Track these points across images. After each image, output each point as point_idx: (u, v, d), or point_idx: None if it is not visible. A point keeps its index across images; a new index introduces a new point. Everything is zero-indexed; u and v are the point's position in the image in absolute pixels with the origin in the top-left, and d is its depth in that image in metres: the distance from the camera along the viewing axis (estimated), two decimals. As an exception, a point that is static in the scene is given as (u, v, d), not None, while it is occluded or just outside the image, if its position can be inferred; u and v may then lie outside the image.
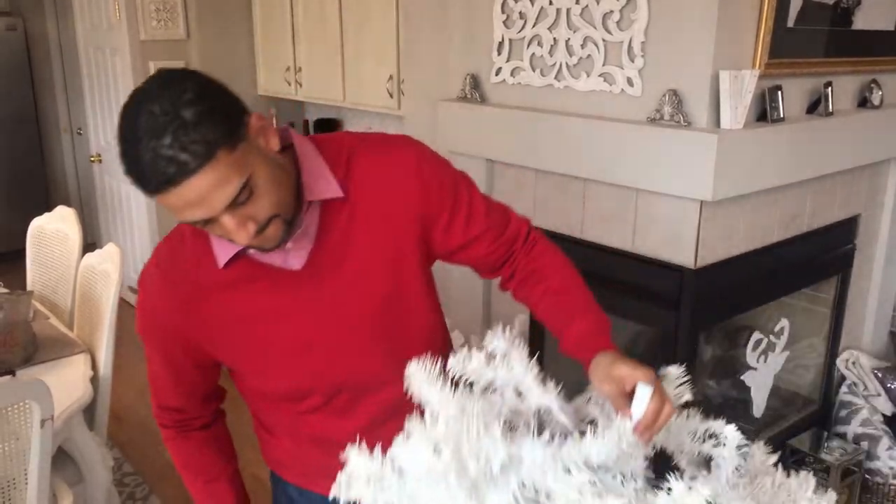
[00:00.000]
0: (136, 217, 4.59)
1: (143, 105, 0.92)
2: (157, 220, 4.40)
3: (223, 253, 1.11)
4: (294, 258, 1.12)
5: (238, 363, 1.21)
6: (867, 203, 2.79)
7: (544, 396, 1.03)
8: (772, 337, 2.59)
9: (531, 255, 1.27)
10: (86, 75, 4.82)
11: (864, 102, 2.55)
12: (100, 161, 4.89)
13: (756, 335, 2.55)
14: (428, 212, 1.17)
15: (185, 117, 0.91)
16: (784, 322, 2.61)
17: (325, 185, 1.10)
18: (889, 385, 2.79)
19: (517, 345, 1.00)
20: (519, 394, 1.04)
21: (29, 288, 3.02)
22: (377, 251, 1.16)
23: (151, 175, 0.91)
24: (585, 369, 1.09)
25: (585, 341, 1.12)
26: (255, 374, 1.22)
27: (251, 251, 1.10)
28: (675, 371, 1.03)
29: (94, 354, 2.49)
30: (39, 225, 3.07)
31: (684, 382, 1.03)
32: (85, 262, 2.67)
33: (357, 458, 0.93)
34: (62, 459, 2.29)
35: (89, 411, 2.41)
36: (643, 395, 0.90)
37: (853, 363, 2.87)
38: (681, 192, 2.05)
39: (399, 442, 0.90)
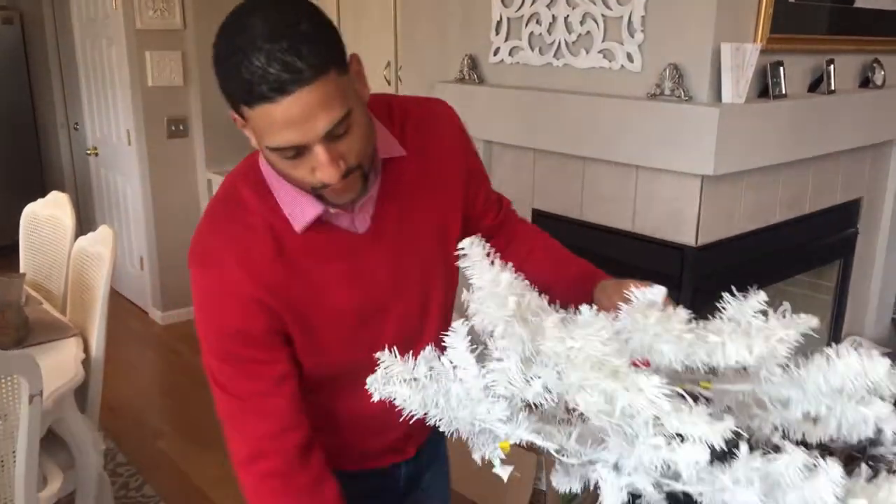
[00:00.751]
0: (133, 210, 4.55)
1: (259, 11, 0.90)
2: (154, 212, 4.37)
3: (301, 215, 1.04)
4: (360, 220, 1.09)
5: (307, 336, 1.10)
6: (869, 186, 2.76)
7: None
8: (774, 320, 2.56)
9: (512, 222, 1.32)
10: (82, 68, 4.80)
11: (866, 83, 2.53)
12: (96, 154, 4.86)
13: (758, 318, 2.51)
14: (469, 171, 1.21)
15: (302, 28, 0.89)
16: (786, 305, 2.58)
17: (389, 143, 1.09)
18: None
19: (491, 254, 0.99)
20: None
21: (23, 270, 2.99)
22: (432, 213, 1.16)
23: (262, 80, 0.88)
24: (587, 300, 1.09)
25: (586, 277, 1.14)
26: (318, 349, 1.11)
27: (331, 210, 1.05)
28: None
29: (87, 338, 2.45)
30: (33, 211, 3.03)
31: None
32: (77, 245, 2.64)
33: (393, 360, 0.98)
34: (54, 444, 2.26)
35: (81, 395, 2.37)
36: (658, 294, 0.97)
37: (855, 349, 2.83)
38: (682, 167, 2.02)
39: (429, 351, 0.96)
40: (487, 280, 0.94)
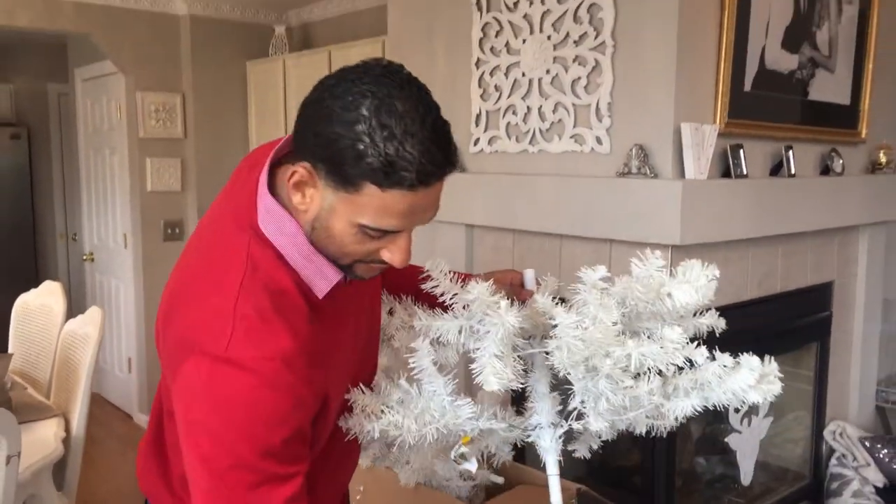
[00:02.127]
0: (125, 312, 4.61)
1: (399, 90, 0.90)
2: (145, 313, 4.42)
3: (324, 281, 1.02)
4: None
5: (338, 396, 1.09)
6: (840, 271, 2.85)
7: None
8: (754, 399, 2.58)
9: None
10: (84, 177, 4.99)
11: (826, 171, 2.67)
12: (92, 260, 4.96)
13: (738, 396, 2.54)
14: None
15: (440, 120, 0.93)
16: (775, 365, 2.61)
17: None
18: (877, 454, 2.75)
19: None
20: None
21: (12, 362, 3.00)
22: None
23: (409, 167, 0.89)
24: None
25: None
26: (340, 409, 1.11)
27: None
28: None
29: (69, 417, 2.46)
30: (24, 301, 3.09)
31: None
32: (67, 328, 2.69)
33: (362, 395, 1.11)
34: (27, 524, 2.22)
35: (60, 474, 2.35)
36: (531, 276, 1.30)
37: (840, 434, 2.83)
38: (651, 238, 2.11)
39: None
40: (476, 292, 1.10)
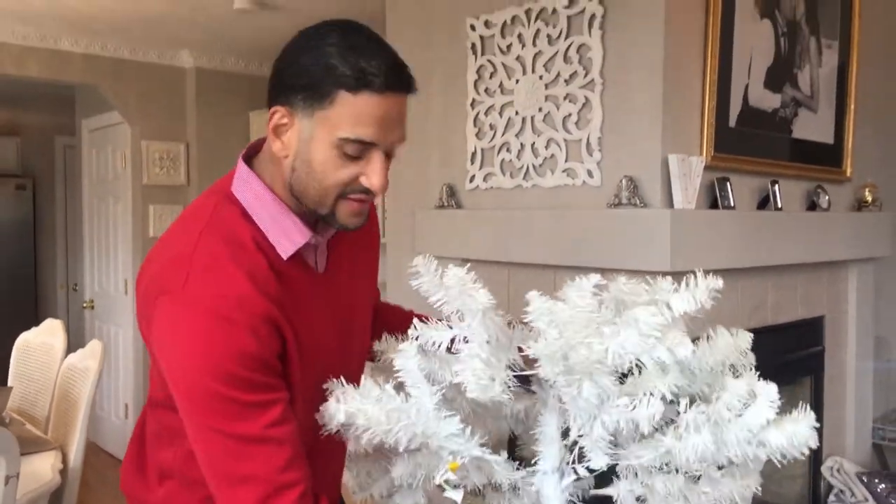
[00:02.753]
0: (123, 358, 4.63)
1: (362, 28, 1.04)
2: (143, 357, 4.43)
3: (289, 242, 1.08)
4: (320, 260, 1.16)
5: (300, 364, 1.09)
6: (830, 306, 2.89)
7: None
8: (749, 432, 2.59)
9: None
10: (87, 225, 5.06)
11: (812, 207, 2.74)
12: (92, 307, 5.00)
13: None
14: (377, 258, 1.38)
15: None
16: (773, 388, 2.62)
17: None
18: (875, 490, 2.74)
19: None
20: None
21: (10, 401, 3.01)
22: (369, 261, 1.30)
23: (377, 73, 1.00)
24: None
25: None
26: (304, 389, 1.10)
27: (312, 242, 1.10)
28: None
29: (66, 449, 2.47)
30: (25, 339, 3.12)
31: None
32: (67, 362, 2.72)
33: (341, 387, 1.07)
34: (20, 556, 2.20)
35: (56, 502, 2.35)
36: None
37: (838, 470, 2.83)
38: (642, 266, 2.16)
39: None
40: (456, 278, 1.08)
